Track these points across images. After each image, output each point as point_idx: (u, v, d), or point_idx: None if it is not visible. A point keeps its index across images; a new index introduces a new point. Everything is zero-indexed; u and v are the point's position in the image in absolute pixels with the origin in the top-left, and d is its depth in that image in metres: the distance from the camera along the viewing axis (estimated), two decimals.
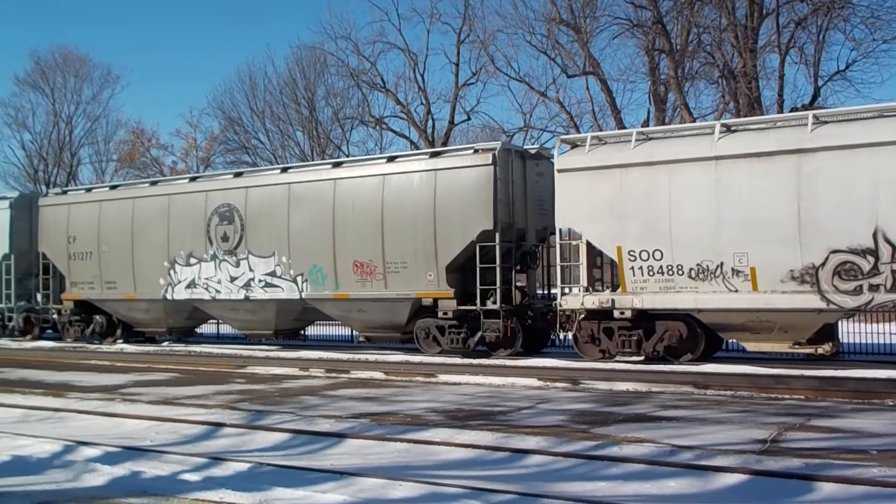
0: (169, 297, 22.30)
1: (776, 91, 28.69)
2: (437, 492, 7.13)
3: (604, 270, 17.55)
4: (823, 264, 14.32)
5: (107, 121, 54.71)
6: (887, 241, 13.83)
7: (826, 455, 8.09)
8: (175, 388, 14.70)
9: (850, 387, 12.38)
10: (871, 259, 13.97)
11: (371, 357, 18.51)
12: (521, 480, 7.62)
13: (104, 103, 54.68)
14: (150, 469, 8.13)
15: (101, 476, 7.91)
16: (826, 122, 14.81)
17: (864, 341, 18.09)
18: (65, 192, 26.41)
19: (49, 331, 26.49)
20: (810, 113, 15.28)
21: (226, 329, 25.81)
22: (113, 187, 25.54)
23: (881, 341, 18.06)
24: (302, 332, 22.78)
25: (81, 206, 24.39)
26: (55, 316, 25.49)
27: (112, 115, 55.66)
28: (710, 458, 8.09)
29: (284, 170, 21.68)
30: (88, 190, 26.63)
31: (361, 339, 20.78)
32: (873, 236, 13.92)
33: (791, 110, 26.19)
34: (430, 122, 40.56)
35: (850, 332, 17.97)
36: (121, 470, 8.06)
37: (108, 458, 8.64)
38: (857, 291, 14.11)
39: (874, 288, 13.99)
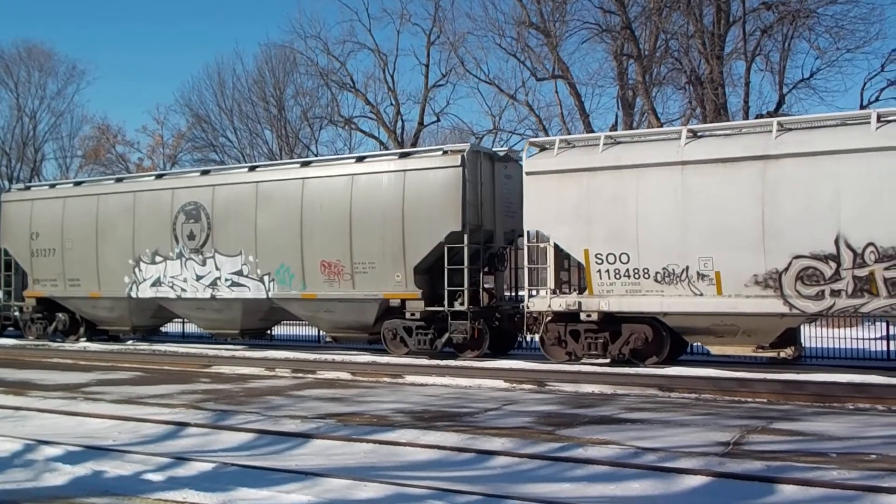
0: (134, 295, 22.08)
1: (742, 98, 29.01)
2: (403, 493, 7.13)
3: (571, 273, 17.64)
4: (787, 269, 14.51)
5: (72, 116, 54.11)
6: (849, 247, 14.05)
7: (787, 458, 8.20)
8: (139, 388, 14.55)
9: (811, 390, 12.54)
10: (833, 265, 14.18)
11: (338, 357, 18.45)
12: (486, 481, 7.65)
13: (69, 98, 54.05)
14: (113, 469, 8.05)
15: (63, 475, 7.81)
16: (790, 130, 15.02)
17: (825, 345, 18.35)
18: (28, 188, 26.06)
19: (10, 328, 26.11)
20: (775, 120, 15.49)
21: (191, 328, 25.59)
22: (77, 184, 25.23)
23: (842, 346, 18.33)
24: (268, 331, 22.66)
25: (45, 202, 24.07)
26: (17, 313, 25.14)
27: (77, 110, 55.13)
28: (673, 460, 8.17)
29: (252, 168, 21.59)
30: (52, 186, 26.25)
31: (328, 339, 20.71)
32: (835, 242, 14.13)
33: (756, 117, 26.60)
34: (399, 123, 40.55)
35: (813, 336, 18.20)
36: (82, 469, 7.96)
37: (69, 458, 8.54)
38: (820, 296, 14.31)
39: (836, 293, 14.20)
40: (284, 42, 44.71)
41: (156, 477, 7.73)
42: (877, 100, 27.78)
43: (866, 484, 7.11)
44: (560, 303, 16.51)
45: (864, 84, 29.16)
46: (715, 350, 15.86)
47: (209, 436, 10.16)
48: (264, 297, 20.03)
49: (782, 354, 15.27)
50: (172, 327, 26.34)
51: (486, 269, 18.56)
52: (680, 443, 8.99)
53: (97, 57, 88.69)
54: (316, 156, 37.98)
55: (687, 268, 15.27)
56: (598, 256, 16.02)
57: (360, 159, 19.59)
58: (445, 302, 17.82)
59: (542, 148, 17.43)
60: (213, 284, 20.73)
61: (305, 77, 42.76)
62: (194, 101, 46.55)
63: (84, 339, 23.97)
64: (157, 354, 20.41)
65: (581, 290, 16.74)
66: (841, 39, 27.82)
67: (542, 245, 17.09)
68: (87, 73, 71.17)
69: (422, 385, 14.60)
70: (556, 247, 16.72)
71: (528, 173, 16.96)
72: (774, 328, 15.03)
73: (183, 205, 21.20)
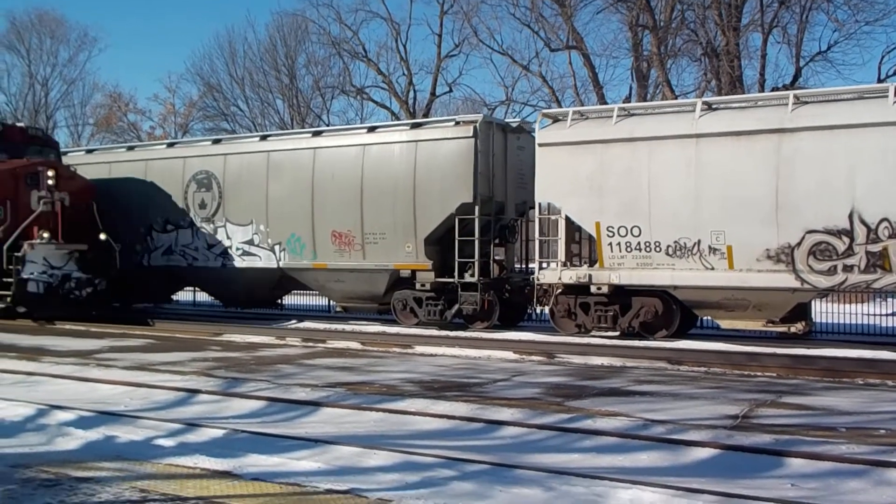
0: (145, 263, 22.14)
1: (758, 70, 28.81)
2: (412, 461, 7.16)
3: (582, 245, 17.59)
4: (799, 244, 14.43)
5: (83, 84, 54.15)
6: (863, 222, 13.95)
7: (796, 431, 8.21)
8: (150, 355, 14.65)
9: (821, 365, 12.54)
10: (847, 240, 14.09)
11: (348, 327, 18.54)
12: (495, 451, 7.68)
13: (81, 66, 54.07)
14: (125, 434, 8.12)
15: (75, 440, 7.89)
16: (806, 103, 14.86)
17: (836, 321, 18.30)
18: None
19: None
20: (791, 93, 15.33)
21: (203, 297, 25.68)
22: (89, 151, 25.25)
23: (853, 321, 18.27)
24: (279, 301, 22.71)
25: None
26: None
27: (89, 78, 55.15)
28: (682, 432, 8.19)
29: (263, 137, 21.50)
30: (64, 154, 26.25)
31: (339, 309, 20.76)
32: (849, 217, 14.03)
33: (772, 90, 26.36)
34: (411, 94, 40.41)
35: (823, 311, 18.13)
36: (95, 434, 8.04)
37: (81, 423, 8.62)
38: (832, 272, 14.24)
39: (848, 269, 14.13)
40: (296, 10, 44.79)
41: (167, 442, 7.79)
42: (895, 73, 27.50)
43: (875, 458, 7.12)
44: (570, 275, 16.48)
45: (882, 57, 29.01)
46: (725, 324, 15.84)
47: (220, 403, 10.24)
48: (275, 266, 20.06)
49: (793, 329, 15.25)
50: (184, 295, 26.44)
51: (496, 241, 18.51)
52: (688, 415, 9.01)
53: (108, 24, 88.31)
54: (327, 125, 37.87)
55: (699, 241, 15.20)
56: (610, 229, 15.96)
57: (371, 129, 19.53)
58: (456, 273, 17.81)
59: (555, 119, 17.32)
60: (225, 253, 20.77)
61: (317, 46, 42.69)
62: (206, 70, 46.53)
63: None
64: (169, 322, 20.51)
65: (592, 263, 16.71)
66: (860, 12, 27.59)
67: (553, 217, 17.04)
68: (99, 40, 71.52)
69: (431, 355, 14.65)
70: (568, 219, 16.67)
71: (540, 145, 16.87)
72: (785, 303, 14.97)
73: (194, 173, 21.19)
